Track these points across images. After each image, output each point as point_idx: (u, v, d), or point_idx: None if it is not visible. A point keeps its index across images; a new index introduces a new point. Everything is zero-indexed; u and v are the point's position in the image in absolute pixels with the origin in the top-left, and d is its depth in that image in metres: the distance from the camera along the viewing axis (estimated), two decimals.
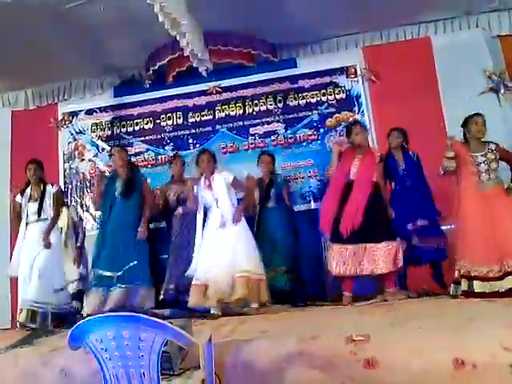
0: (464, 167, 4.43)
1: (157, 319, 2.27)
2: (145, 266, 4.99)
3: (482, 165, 4.40)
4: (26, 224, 5.10)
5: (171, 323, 2.34)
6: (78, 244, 5.68)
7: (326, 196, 4.92)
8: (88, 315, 4.52)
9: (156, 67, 6.33)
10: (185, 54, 5.63)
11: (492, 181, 4.37)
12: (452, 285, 4.37)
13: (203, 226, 4.91)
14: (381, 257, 4.51)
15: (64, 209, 5.51)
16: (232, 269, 4.59)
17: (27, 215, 5.10)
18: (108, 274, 4.87)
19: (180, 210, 5.54)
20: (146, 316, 2.28)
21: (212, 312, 4.62)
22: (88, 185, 6.97)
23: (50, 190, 5.19)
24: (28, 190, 5.18)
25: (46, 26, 5.51)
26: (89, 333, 2.22)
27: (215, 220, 4.84)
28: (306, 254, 5.84)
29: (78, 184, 6.98)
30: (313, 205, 6.33)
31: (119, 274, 4.87)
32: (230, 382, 2.88)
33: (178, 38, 5.21)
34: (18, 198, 5.18)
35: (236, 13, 5.65)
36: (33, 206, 5.10)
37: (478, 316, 3.22)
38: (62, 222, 5.52)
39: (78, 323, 2.22)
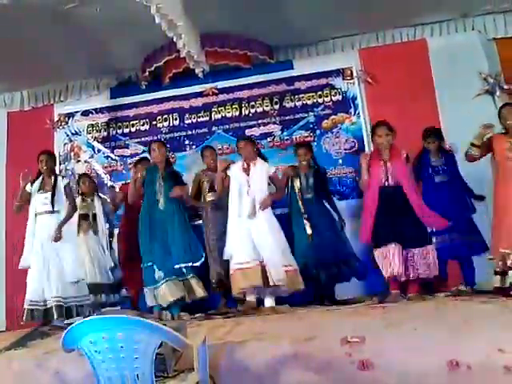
0: (499, 154, 4.44)
1: (151, 321, 2.27)
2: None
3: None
4: (36, 215, 5.05)
5: (165, 325, 2.33)
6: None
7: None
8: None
9: (152, 68, 6.32)
10: (181, 56, 5.62)
11: None
12: (496, 277, 4.33)
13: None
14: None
15: (96, 198, 5.75)
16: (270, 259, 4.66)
17: (36, 206, 5.06)
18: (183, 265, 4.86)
19: (209, 197, 5.51)
20: (139, 318, 2.27)
21: (249, 299, 4.72)
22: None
23: (61, 182, 5.16)
24: (38, 181, 5.15)
25: (42, 27, 5.49)
26: (82, 335, 2.20)
27: (245, 208, 4.84)
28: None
29: (74, 185, 6.94)
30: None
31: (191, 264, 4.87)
32: None
33: (174, 40, 5.21)
34: (28, 187, 5.14)
35: (233, 15, 5.66)
36: (43, 197, 5.07)
37: (473, 317, 3.23)
38: (96, 208, 5.73)
39: (71, 325, 2.22)
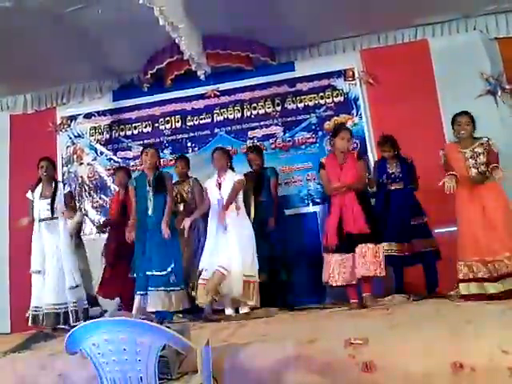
0: (455, 164, 4.45)
1: (154, 323, 2.27)
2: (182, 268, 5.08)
3: (470, 160, 4.42)
4: (39, 221, 5.07)
5: (169, 327, 2.34)
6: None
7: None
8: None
9: (154, 71, 6.35)
10: (183, 58, 5.63)
11: (482, 175, 4.36)
12: (460, 285, 4.32)
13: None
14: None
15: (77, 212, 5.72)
16: (231, 269, 4.67)
17: (39, 212, 5.08)
18: (164, 272, 4.86)
19: (181, 208, 5.61)
20: (142, 320, 2.28)
21: (228, 313, 4.75)
22: (87, 189, 6.97)
23: (62, 190, 5.19)
24: (39, 187, 5.17)
25: (45, 30, 5.50)
26: (86, 338, 2.21)
27: (217, 222, 4.88)
28: (305, 257, 5.88)
29: (77, 188, 6.98)
30: (311, 208, 6.34)
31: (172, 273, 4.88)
32: None
33: (177, 42, 5.22)
34: (29, 194, 5.17)
35: (234, 17, 5.66)
36: (43, 203, 5.09)
37: (477, 319, 3.22)
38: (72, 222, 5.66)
39: (75, 328, 2.22)
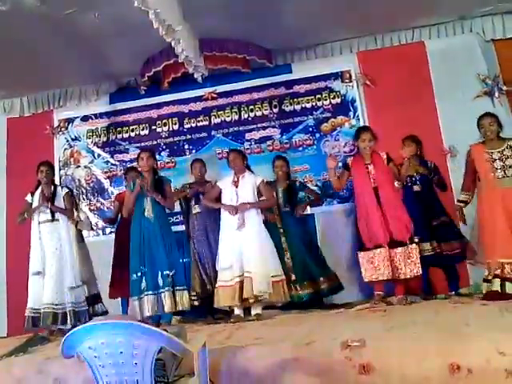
0: (479, 165, 4.47)
1: (150, 326, 2.27)
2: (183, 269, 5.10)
3: (498, 161, 4.41)
4: (39, 223, 5.10)
5: (166, 330, 2.33)
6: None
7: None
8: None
9: (151, 73, 6.32)
10: (180, 61, 5.63)
11: (509, 178, 4.36)
12: (484, 284, 4.38)
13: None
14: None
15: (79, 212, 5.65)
16: (255, 271, 4.65)
17: (39, 215, 5.11)
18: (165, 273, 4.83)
19: (195, 209, 5.60)
20: (139, 323, 2.27)
21: (237, 313, 4.73)
22: (84, 191, 6.96)
23: (60, 191, 5.24)
24: (38, 191, 5.19)
25: (42, 33, 5.49)
26: (82, 341, 2.21)
27: (233, 220, 4.86)
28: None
29: (74, 191, 6.95)
30: (308, 210, 6.32)
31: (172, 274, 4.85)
32: None
33: (173, 45, 5.22)
34: (29, 197, 5.21)
35: (231, 19, 5.65)
36: (43, 207, 5.11)
37: (474, 321, 3.22)
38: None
39: (71, 331, 2.22)
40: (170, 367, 2.59)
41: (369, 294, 5.08)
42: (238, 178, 5.06)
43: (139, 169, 5.22)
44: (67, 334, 2.22)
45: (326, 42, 6.67)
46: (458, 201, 4.90)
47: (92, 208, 6.91)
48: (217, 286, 4.82)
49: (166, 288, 4.75)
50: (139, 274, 4.81)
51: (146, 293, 4.75)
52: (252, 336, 3.46)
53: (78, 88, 7.14)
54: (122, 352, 2.17)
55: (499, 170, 4.38)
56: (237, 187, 5.01)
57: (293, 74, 6.73)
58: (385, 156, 4.87)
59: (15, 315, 5.89)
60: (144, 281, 4.79)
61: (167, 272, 4.79)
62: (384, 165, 4.81)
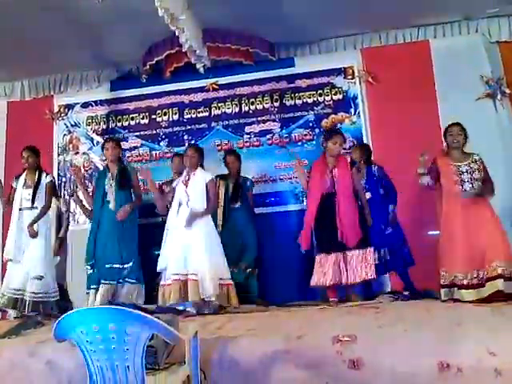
0: (446, 177, 4.47)
1: (143, 313, 2.27)
2: (139, 263, 5.06)
3: (466, 174, 4.43)
4: (20, 209, 5.11)
5: (158, 318, 2.34)
6: (60, 235, 5.77)
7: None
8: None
9: (153, 62, 6.30)
10: (183, 50, 5.61)
11: (475, 190, 4.39)
12: (442, 290, 4.39)
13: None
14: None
15: (54, 199, 5.53)
16: (203, 273, 4.61)
17: (20, 201, 5.11)
18: (117, 266, 4.90)
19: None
20: (132, 310, 2.28)
21: (187, 309, 4.60)
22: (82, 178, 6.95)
23: (44, 179, 5.20)
24: (22, 176, 5.19)
25: (44, 17, 5.48)
26: (75, 325, 2.21)
27: (182, 218, 4.80)
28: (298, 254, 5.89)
29: (72, 177, 6.95)
30: (305, 205, 6.32)
31: (126, 267, 4.91)
32: (215, 379, 2.89)
33: (176, 34, 5.20)
34: (14, 182, 5.23)
35: (235, 10, 5.63)
36: (26, 193, 5.12)
37: (465, 320, 3.24)
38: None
39: (64, 315, 2.22)
40: (161, 354, 2.60)
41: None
42: (189, 177, 4.95)
43: (104, 158, 5.26)
44: (60, 318, 2.22)
45: (329, 38, 6.65)
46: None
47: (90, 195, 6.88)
48: (161, 283, 4.77)
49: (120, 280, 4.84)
50: (98, 265, 4.90)
51: (104, 282, 4.83)
52: (244, 327, 3.47)
53: (80, 74, 7.13)
54: (113, 337, 2.17)
55: (467, 183, 4.41)
56: (187, 186, 4.90)
57: (295, 68, 6.72)
58: (348, 160, 4.95)
59: None
60: (104, 272, 4.86)
61: (118, 265, 4.87)
62: (348, 169, 4.83)
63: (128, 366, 2.21)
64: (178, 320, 2.89)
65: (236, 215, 5.59)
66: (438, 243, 4.48)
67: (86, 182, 6.91)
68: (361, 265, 4.57)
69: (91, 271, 4.97)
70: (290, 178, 6.43)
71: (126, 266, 4.91)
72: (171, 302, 4.59)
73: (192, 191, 4.87)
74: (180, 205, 4.89)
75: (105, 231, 5.01)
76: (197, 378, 2.67)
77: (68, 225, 5.95)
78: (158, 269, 4.85)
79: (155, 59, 6.25)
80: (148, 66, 6.43)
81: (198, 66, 6.08)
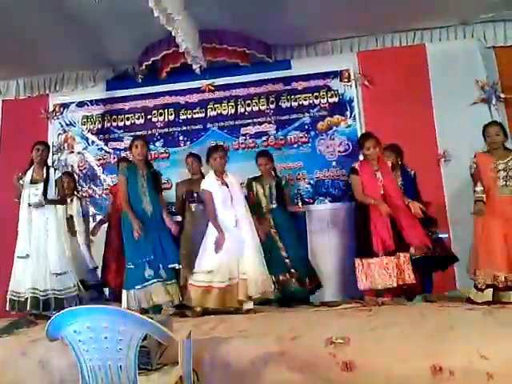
0: (486, 176, 4.48)
1: (136, 313, 2.27)
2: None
3: (502, 172, 4.43)
4: (29, 205, 4.97)
5: (151, 318, 2.33)
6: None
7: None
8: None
9: (149, 62, 6.29)
10: (179, 51, 5.61)
11: (509, 188, 4.39)
12: (473, 290, 4.43)
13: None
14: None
15: (75, 198, 5.80)
16: (250, 274, 4.61)
17: (29, 197, 4.99)
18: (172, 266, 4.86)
19: (193, 207, 5.58)
20: (125, 309, 2.27)
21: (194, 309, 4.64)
22: (76, 178, 6.92)
23: (53, 175, 5.09)
24: (30, 172, 5.09)
25: (40, 16, 5.45)
26: (67, 324, 2.20)
27: (230, 218, 4.78)
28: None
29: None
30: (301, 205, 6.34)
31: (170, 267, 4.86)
32: (208, 379, 2.89)
33: (173, 34, 5.20)
34: (19, 179, 5.08)
35: (232, 12, 5.64)
36: (33, 188, 5.00)
37: (458, 324, 3.26)
38: (73, 209, 5.75)
39: (56, 315, 2.21)
40: (154, 355, 2.59)
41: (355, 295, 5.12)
42: (222, 178, 4.89)
43: (131, 158, 5.18)
44: (53, 317, 2.21)
45: (326, 40, 6.65)
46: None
47: (84, 195, 6.87)
48: (191, 283, 4.70)
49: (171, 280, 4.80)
50: (144, 263, 4.77)
51: (151, 282, 4.72)
52: (237, 328, 3.47)
53: (75, 73, 7.10)
54: (106, 337, 2.17)
55: (502, 180, 4.42)
56: (228, 187, 4.87)
57: (292, 70, 6.70)
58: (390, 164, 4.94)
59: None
60: (149, 269, 4.75)
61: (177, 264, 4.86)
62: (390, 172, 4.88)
63: (121, 366, 2.20)
64: (172, 320, 2.89)
65: (275, 216, 5.54)
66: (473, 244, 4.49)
67: (81, 181, 6.92)
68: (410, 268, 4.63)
69: (134, 269, 4.79)
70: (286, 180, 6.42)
71: (174, 266, 4.87)
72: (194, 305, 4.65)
73: (234, 191, 4.86)
74: (224, 206, 4.83)
75: (146, 231, 4.82)
76: (189, 378, 2.67)
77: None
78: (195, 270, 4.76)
79: (151, 59, 6.25)
80: (144, 66, 6.43)
81: (194, 66, 6.08)
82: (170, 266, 4.81)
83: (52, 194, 5.04)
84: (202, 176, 5.39)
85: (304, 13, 5.76)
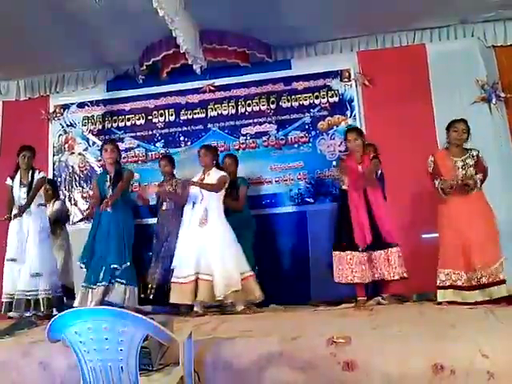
0: (443, 172, 4.48)
1: (137, 314, 2.27)
2: (132, 265, 5.05)
3: (461, 170, 4.43)
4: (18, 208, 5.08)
5: (152, 319, 2.33)
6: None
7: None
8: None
9: (150, 63, 6.30)
10: (182, 51, 5.61)
11: (468, 187, 4.38)
12: (438, 292, 4.40)
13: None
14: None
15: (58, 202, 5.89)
16: (217, 274, 4.60)
17: (18, 200, 5.12)
18: (113, 266, 4.89)
19: (163, 206, 5.67)
20: (126, 310, 2.27)
21: (195, 309, 4.63)
22: (77, 178, 6.93)
23: (37, 176, 5.21)
24: (18, 175, 5.20)
25: (41, 17, 5.47)
26: (68, 325, 2.20)
27: (197, 216, 4.84)
28: (293, 256, 5.91)
29: (67, 177, 6.94)
30: (301, 207, 6.34)
31: (119, 268, 4.90)
32: (209, 380, 2.89)
33: (174, 34, 5.20)
34: (9, 181, 5.23)
35: (232, 12, 5.64)
36: (22, 192, 5.13)
37: (459, 322, 3.25)
38: (50, 210, 5.76)
39: (57, 315, 2.21)
40: (155, 356, 2.59)
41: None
42: (204, 176, 5.03)
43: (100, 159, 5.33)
44: (54, 318, 2.21)
45: (326, 40, 6.65)
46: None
47: (84, 195, 6.88)
48: (172, 283, 4.78)
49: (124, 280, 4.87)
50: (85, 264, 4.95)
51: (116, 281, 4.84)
52: (238, 329, 3.47)
53: (76, 74, 7.10)
54: (107, 338, 2.17)
55: (460, 179, 4.43)
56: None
57: (292, 70, 6.69)
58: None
59: None
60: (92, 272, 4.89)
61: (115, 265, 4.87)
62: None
63: (122, 367, 2.20)
64: (173, 321, 2.89)
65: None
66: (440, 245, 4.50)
67: (82, 182, 6.93)
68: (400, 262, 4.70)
69: (85, 270, 4.97)
70: (286, 180, 6.42)
71: (122, 266, 4.88)
72: (174, 301, 4.72)
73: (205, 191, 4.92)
74: (194, 204, 4.95)
75: (102, 231, 5.01)
76: (190, 379, 2.67)
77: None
78: (172, 266, 4.88)
79: (152, 60, 6.26)
80: (144, 67, 6.44)
81: (194, 67, 6.08)
82: (112, 267, 4.88)
83: (40, 197, 5.25)
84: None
85: (304, 13, 5.76)
